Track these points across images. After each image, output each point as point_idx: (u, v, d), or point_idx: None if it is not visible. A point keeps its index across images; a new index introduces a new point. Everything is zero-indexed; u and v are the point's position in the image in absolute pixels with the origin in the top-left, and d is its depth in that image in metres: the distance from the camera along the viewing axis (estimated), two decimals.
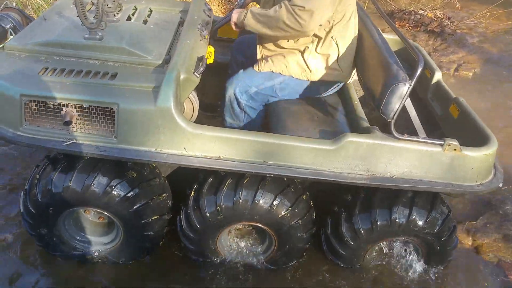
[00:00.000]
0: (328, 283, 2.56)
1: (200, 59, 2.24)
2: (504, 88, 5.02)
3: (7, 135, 2.03)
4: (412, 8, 6.40)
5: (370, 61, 2.37)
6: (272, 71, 2.53)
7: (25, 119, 2.01)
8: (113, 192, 2.18)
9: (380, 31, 2.45)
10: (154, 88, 2.02)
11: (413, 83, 1.99)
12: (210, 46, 2.52)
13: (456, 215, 2.52)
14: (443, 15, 6.31)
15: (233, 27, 2.49)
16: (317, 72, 2.53)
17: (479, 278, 2.72)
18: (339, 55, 2.50)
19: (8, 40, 2.27)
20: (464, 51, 5.73)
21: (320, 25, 2.31)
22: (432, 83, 2.75)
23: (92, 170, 2.16)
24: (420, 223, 2.30)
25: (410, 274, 2.59)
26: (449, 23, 6.16)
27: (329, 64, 2.51)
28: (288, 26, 2.26)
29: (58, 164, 2.19)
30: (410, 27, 6.14)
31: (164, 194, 2.39)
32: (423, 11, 6.30)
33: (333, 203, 2.53)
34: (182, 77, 2.06)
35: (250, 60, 2.82)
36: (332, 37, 2.43)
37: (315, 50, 2.46)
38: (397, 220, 2.29)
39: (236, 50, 3.00)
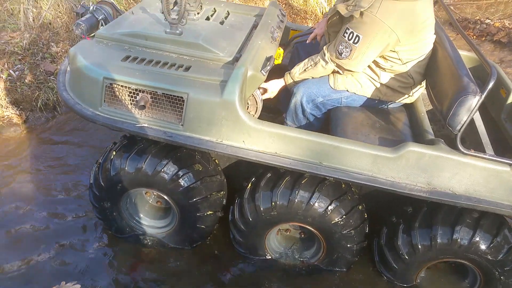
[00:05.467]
0: None
1: (268, 58, 2.32)
2: None
3: (87, 113, 2.24)
4: (478, 17, 5.99)
5: (441, 73, 2.30)
6: (347, 90, 2.54)
7: (104, 100, 2.21)
8: (179, 180, 2.31)
9: (453, 43, 2.38)
10: (222, 82, 2.13)
11: (483, 96, 1.91)
12: (279, 48, 2.60)
13: None
14: None
15: (271, 95, 2.60)
16: (389, 93, 2.52)
17: None
18: (415, 82, 2.48)
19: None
20: None
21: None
22: (507, 103, 2.59)
23: (164, 157, 2.31)
24: (483, 247, 2.16)
25: None
26: None
27: (403, 89, 2.51)
28: (339, 72, 2.46)
29: (135, 146, 2.36)
30: (475, 37, 5.71)
31: (222, 192, 2.49)
32: (489, 21, 5.85)
33: (391, 213, 2.45)
34: (249, 73, 2.15)
35: None
36: (408, 66, 2.42)
37: (392, 74, 2.46)
38: (458, 240, 2.17)
39: (302, 49, 2.99)
